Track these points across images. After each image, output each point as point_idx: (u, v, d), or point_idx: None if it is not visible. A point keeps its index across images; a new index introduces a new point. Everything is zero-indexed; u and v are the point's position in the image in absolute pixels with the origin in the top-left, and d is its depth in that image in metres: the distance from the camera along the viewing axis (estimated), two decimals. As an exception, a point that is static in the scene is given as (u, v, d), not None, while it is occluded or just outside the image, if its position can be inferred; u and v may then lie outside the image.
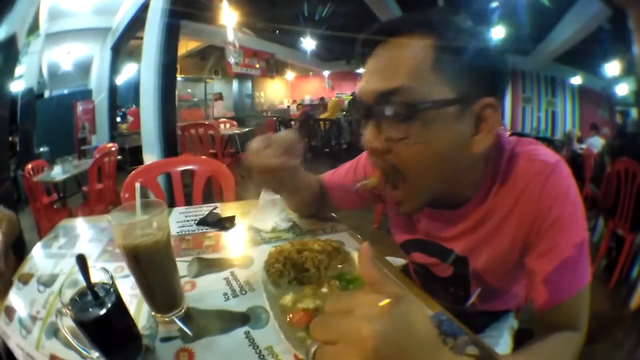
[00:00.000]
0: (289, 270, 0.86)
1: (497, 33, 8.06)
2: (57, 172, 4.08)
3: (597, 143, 6.11)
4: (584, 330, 0.76)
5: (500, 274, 0.90)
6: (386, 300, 0.40)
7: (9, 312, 0.85)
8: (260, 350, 0.70)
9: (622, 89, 7.37)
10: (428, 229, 0.97)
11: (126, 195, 1.67)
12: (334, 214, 1.37)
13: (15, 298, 0.91)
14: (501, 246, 0.83)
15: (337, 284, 0.84)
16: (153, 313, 0.80)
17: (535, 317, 0.79)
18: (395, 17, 0.76)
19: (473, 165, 0.80)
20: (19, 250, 3.29)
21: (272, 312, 0.73)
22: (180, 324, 0.77)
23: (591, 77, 8.50)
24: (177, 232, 1.27)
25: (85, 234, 1.32)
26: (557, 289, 0.74)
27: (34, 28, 6.00)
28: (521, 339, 0.80)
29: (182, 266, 1.01)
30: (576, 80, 8.84)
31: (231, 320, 0.79)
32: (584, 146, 6.38)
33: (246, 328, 0.76)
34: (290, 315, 0.73)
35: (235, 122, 8.55)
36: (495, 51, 0.73)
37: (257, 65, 10.98)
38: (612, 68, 7.57)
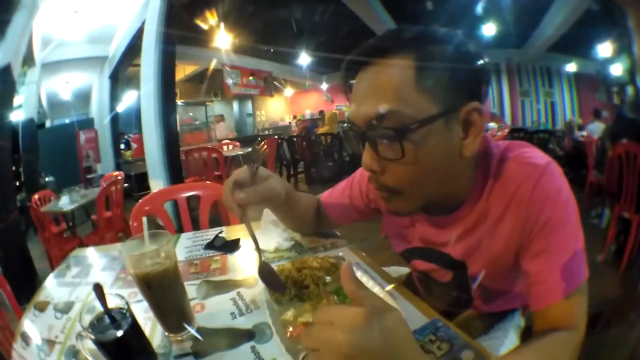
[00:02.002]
0: (290, 288, 0.91)
1: (488, 29, 8.11)
2: (65, 202, 4.13)
3: (597, 128, 6.11)
4: (583, 330, 0.75)
5: (498, 276, 0.92)
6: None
7: (26, 338, 0.91)
8: (264, 363, 0.75)
9: (617, 69, 7.36)
10: (424, 236, 0.99)
11: (135, 224, 1.72)
12: (337, 232, 1.41)
13: (32, 325, 0.97)
14: (496, 249, 0.85)
15: (335, 299, 0.89)
16: (166, 333, 0.86)
17: (532, 317, 0.80)
18: (372, 40, 0.77)
19: (464, 170, 0.82)
20: (31, 279, 3.32)
21: (275, 327, 0.79)
22: (192, 331, 0.84)
23: (585, 61, 8.52)
24: (186, 257, 1.31)
25: (98, 263, 1.37)
26: (551, 289, 0.75)
27: (28, 58, 6.07)
28: (529, 337, 0.83)
29: (192, 289, 1.07)
30: (571, 67, 8.86)
31: (238, 337, 0.84)
32: (584, 133, 6.36)
33: (252, 343, 0.82)
34: (291, 329, 0.79)
35: (237, 143, 8.58)
36: (472, 54, 0.75)
37: (251, 78, 11.09)
38: (604, 49, 7.59)
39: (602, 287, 2.65)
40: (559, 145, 7.15)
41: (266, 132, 13.18)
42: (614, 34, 6.16)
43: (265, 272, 0.92)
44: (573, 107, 9.27)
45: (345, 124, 8.81)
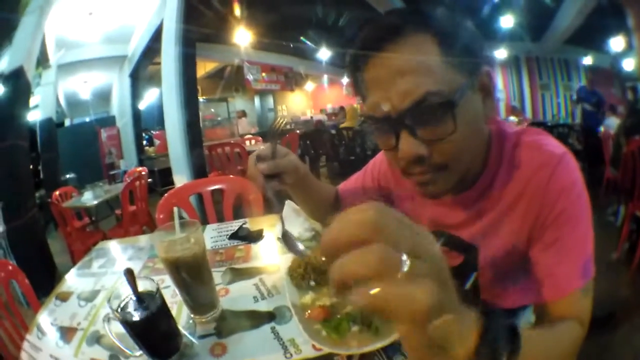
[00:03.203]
0: (309, 274, 0.97)
1: (506, 21, 8.04)
2: (88, 197, 4.24)
3: (614, 123, 5.98)
4: (586, 327, 0.73)
5: (509, 265, 0.88)
6: None
7: (43, 328, 0.98)
8: (283, 342, 0.82)
9: (629, 64, 7.22)
10: (434, 217, 0.96)
11: (161, 216, 1.80)
12: None
13: (51, 315, 1.04)
14: (508, 235, 0.83)
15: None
16: (192, 315, 0.93)
17: (537, 309, 0.79)
18: (374, 25, 0.73)
19: (481, 143, 0.81)
20: (50, 273, 3.37)
21: (294, 310, 0.84)
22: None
23: (600, 55, 8.38)
24: (212, 247, 1.40)
25: (124, 254, 1.45)
26: (560, 283, 0.73)
27: (43, 60, 6.16)
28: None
29: (217, 275, 1.14)
30: (587, 60, 8.72)
31: (259, 318, 0.91)
32: (602, 128, 6.25)
33: (272, 324, 0.88)
34: (309, 312, 0.84)
35: (260, 138, 8.59)
36: (472, 25, 0.75)
37: (263, 74, 11.14)
38: (616, 43, 7.45)
39: (613, 285, 2.59)
40: (577, 139, 7.02)
41: (288, 127, 13.05)
42: (623, 28, 6.05)
43: (287, 238, 0.95)
44: (592, 102, 9.12)
45: (363, 119, 8.74)
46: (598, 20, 6.99)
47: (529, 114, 9.74)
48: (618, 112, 6.62)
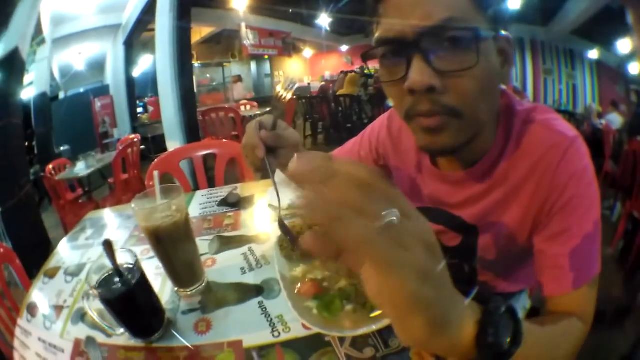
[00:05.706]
0: (300, 244, 0.91)
1: (513, 2, 7.93)
2: (81, 168, 4.19)
3: (615, 120, 5.94)
4: (590, 323, 0.70)
5: (509, 249, 0.85)
6: None
7: (32, 309, 0.92)
8: (271, 319, 0.77)
9: (635, 68, 7.14)
10: (435, 195, 0.92)
11: (151, 183, 1.71)
12: None
13: (40, 293, 0.99)
14: (512, 218, 0.79)
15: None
16: (176, 289, 0.87)
17: (544, 301, 0.75)
18: None
19: (495, 109, 0.76)
20: (45, 252, 3.30)
21: (282, 284, 0.78)
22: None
23: (606, 53, 8.32)
24: (200, 214, 1.33)
25: (112, 223, 1.40)
26: (565, 278, 0.70)
27: (37, 37, 6.02)
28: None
29: (204, 244, 1.08)
30: (593, 54, 8.64)
31: (246, 292, 0.86)
32: (603, 122, 6.21)
33: (260, 299, 0.83)
34: (299, 286, 0.78)
35: (255, 104, 8.43)
36: None
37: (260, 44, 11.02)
38: (623, 45, 7.37)
39: (605, 284, 2.56)
40: (578, 128, 7.01)
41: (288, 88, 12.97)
42: (631, 31, 5.97)
43: (282, 225, 0.91)
44: (594, 94, 9.08)
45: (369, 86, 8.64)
46: (607, 18, 6.90)
47: (530, 96, 9.70)
48: (620, 109, 6.56)
